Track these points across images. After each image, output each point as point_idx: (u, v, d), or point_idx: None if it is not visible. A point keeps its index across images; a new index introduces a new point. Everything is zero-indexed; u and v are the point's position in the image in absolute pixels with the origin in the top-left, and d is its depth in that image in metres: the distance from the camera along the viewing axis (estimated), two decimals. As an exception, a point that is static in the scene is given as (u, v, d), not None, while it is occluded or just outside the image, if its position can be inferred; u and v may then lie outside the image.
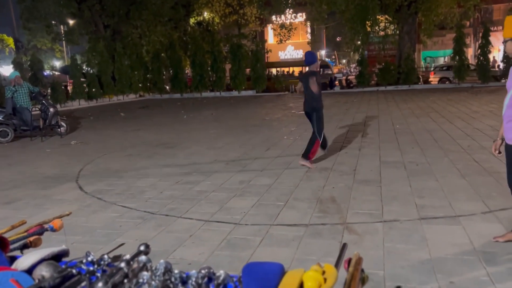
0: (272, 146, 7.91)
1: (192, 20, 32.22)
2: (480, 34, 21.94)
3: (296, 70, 29.72)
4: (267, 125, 10.93)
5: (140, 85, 25.98)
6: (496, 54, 29.60)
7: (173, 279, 1.01)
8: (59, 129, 10.74)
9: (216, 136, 9.49)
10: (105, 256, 1.13)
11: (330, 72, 27.07)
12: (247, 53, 25.15)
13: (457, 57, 21.44)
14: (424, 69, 30.28)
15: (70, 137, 10.65)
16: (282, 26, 29.88)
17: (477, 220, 3.71)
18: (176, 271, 1.03)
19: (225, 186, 5.27)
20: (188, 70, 30.07)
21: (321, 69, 26.84)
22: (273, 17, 34.31)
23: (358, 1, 21.77)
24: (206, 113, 14.85)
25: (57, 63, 44.42)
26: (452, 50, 22.06)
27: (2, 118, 10.25)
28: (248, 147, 7.93)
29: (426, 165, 5.81)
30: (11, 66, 22.78)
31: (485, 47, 20.87)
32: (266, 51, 29.42)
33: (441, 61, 36.64)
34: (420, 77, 25.51)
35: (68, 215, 2.09)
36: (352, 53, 33.00)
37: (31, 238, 1.51)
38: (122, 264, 1.01)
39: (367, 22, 22.75)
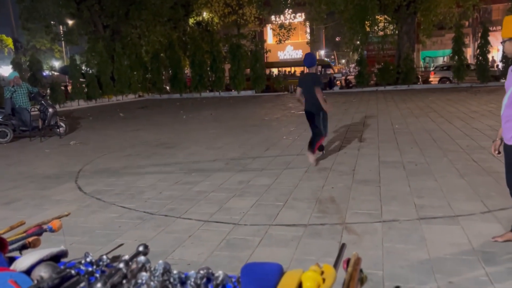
0: (271, 146, 7.91)
1: (191, 20, 32.22)
2: (479, 34, 21.95)
3: (298, 70, 29.73)
4: (266, 125, 10.94)
5: (139, 85, 25.97)
6: (495, 54, 29.63)
7: (172, 280, 1.01)
8: (58, 130, 10.73)
9: (215, 136, 9.49)
10: (104, 257, 1.13)
11: (331, 72, 27.13)
12: (247, 53, 25.16)
13: (456, 57, 21.46)
14: (423, 69, 30.31)
15: (69, 137, 10.65)
16: (281, 26, 29.90)
17: (476, 220, 3.72)
18: (175, 272, 1.03)
19: (224, 186, 5.27)
20: (187, 70, 30.07)
21: (323, 69, 26.91)
22: (272, 17, 34.34)
23: (357, 1, 21.78)
24: (205, 113, 14.85)
25: (56, 64, 44.42)
26: (451, 50, 22.09)
27: (1, 118, 10.24)
28: (248, 147, 7.93)
29: (425, 165, 5.81)
30: (10, 66, 22.77)
31: (484, 47, 20.90)
32: (265, 51, 29.44)
33: (440, 61, 36.67)
34: (419, 77, 25.54)
35: (67, 215, 2.09)
36: (351, 53, 33.05)
37: (30, 239, 1.51)
38: (121, 265, 1.01)
39: (366, 22, 22.76)
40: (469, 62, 24.81)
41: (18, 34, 32.42)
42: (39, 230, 1.59)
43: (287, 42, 34.77)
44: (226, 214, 4.22)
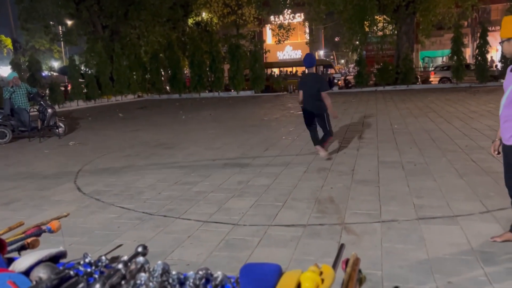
0: (270, 146, 7.91)
1: (190, 21, 32.21)
2: (478, 34, 21.99)
3: (300, 70, 29.73)
4: (265, 125, 10.94)
5: (138, 85, 25.95)
6: (494, 54, 29.67)
7: (170, 280, 1.01)
8: (57, 130, 10.72)
9: (214, 136, 9.49)
10: (103, 258, 1.13)
11: (332, 72, 27.15)
12: (246, 53, 25.16)
13: (455, 57, 21.49)
14: (422, 69, 30.34)
15: (68, 138, 10.64)
16: (281, 26, 29.91)
17: (475, 220, 3.72)
18: (173, 272, 1.03)
19: (223, 187, 5.27)
20: (186, 71, 30.06)
21: (324, 69, 26.91)
22: (272, 18, 34.34)
23: (356, 1, 21.80)
24: (204, 114, 14.85)
25: (55, 64, 44.39)
26: (450, 50, 22.11)
27: (0, 119, 10.23)
28: (247, 147, 7.93)
29: (424, 165, 5.82)
30: (9, 67, 22.75)
31: (483, 47, 20.93)
32: (264, 51, 29.44)
33: (439, 61, 36.71)
34: (419, 77, 25.56)
35: (66, 216, 2.09)
36: (350, 53, 33.06)
37: (29, 240, 1.51)
38: (120, 266, 1.01)
39: (365, 22, 22.78)
40: (468, 62, 24.84)
41: (17, 35, 32.39)
42: (38, 231, 1.59)
43: (286, 42, 34.77)
44: (225, 215, 4.22)
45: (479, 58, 21.07)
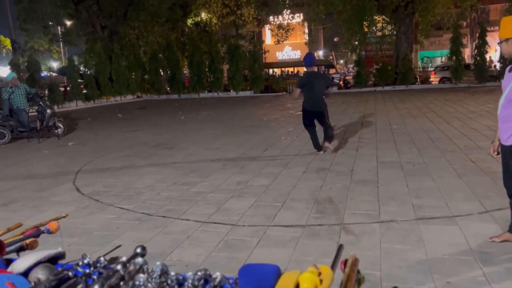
0: (270, 146, 7.91)
1: (189, 21, 32.22)
2: (477, 34, 22.02)
3: (301, 70, 29.75)
4: (265, 126, 10.94)
5: (137, 86, 25.94)
6: (493, 54, 29.71)
7: (169, 281, 1.01)
8: (56, 131, 10.71)
9: (214, 136, 9.49)
10: (102, 258, 1.13)
11: (333, 71, 27.14)
12: (245, 53, 25.16)
13: (454, 57, 21.50)
14: (421, 69, 30.36)
15: (67, 138, 10.63)
16: (280, 26, 29.90)
17: (474, 220, 3.73)
18: (172, 273, 1.03)
19: (222, 187, 5.27)
20: (186, 71, 30.06)
21: (326, 69, 26.92)
22: (271, 18, 34.35)
23: (355, 1, 21.82)
24: (204, 114, 14.84)
25: (55, 64, 44.37)
26: (449, 50, 22.14)
27: (-1, 119, 10.23)
28: (246, 147, 7.93)
29: (423, 165, 5.82)
30: (8, 67, 22.72)
31: (482, 47, 20.94)
32: (263, 51, 29.45)
33: (438, 61, 36.75)
34: (418, 77, 25.58)
35: (64, 217, 2.08)
36: (349, 53, 33.09)
37: (28, 241, 1.51)
38: (119, 267, 1.01)
39: (364, 23, 22.80)
40: (467, 62, 24.87)
41: (16, 35, 32.41)
42: (37, 232, 1.59)
43: (286, 43, 34.77)
44: (224, 215, 4.22)
45: (478, 58, 21.09)
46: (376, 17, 23.80)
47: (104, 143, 9.48)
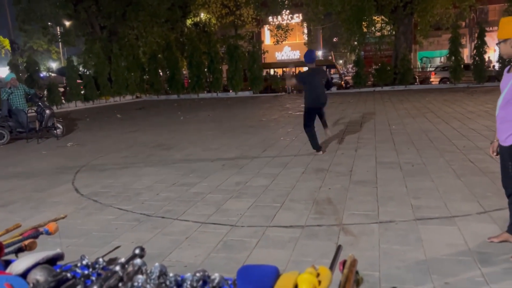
0: (268, 147, 7.91)
1: (188, 21, 32.22)
2: (476, 35, 22.05)
3: (301, 70, 29.77)
4: (264, 126, 10.94)
5: (136, 86, 25.93)
6: (492, 55, 29.74)
7: (168, 283, 1.01)
8: (55, 131, 10.71)
9: (212, 137, 9.49)
10: (100, 260, 1.13)
11: (333, 71, 27.12)
12: (244, 54, 25.16)
13: (453, 58, 21.54)
14: (420, 70, 30.39)
15: (66, 139, 10.63)
16: (279, 27, 29.94)
17: (472, 220, 3.73)
18: (171, 275, 1.03)
19: (221, 188, 5.28)
20: (185, 71, 30.06)
21: (328, 69, 26.91)
22: (270, 18, 34.38)
23: (354, 2, 21.84)
24: (203, 114, 14.84)
25: (54, 65, 44.32)
26: (448, 50, 22.17)
27: (-2, 120, 10.23)
28: (245, 148, 7.93)
29: (421, 165, 5.83)
30: (7, 67, 22.71)
31: (480, 48, 20.98)
32: (262, 52, 29.47)
33: (437, 61, 36.81)
34: (417, 77, 25.60)
35: (63, 218, 2.08)
36: (348, 53, 33.12)
37: (26, 242, 1.50)
38: (117, 268, 1.01)
39: (363, 23, 22.83)
40: (465, 62, 24.91)
41: (15, 36, 32.40)
42: (35, 233, 1.59)
43: (285, 43, 34.81)
44: (223, 216, 4.22)
45: (477, 58, 21.12)
46: (375, 18, 23.83)
47: (103, 144, 9.48)
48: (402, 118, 10.84)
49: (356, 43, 23.88)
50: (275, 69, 30.75)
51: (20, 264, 1.13)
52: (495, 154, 3.23)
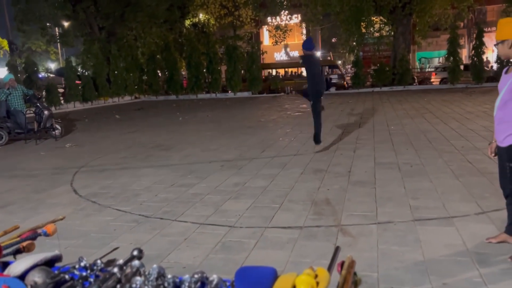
0: (267, 147, 7.92)
1: (187, 22, 32.22)
2: (474, 35, 22.08)
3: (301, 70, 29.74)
4: (262, 127, 10.95)
5: (135, 87, 25.91)
6: (490, 55, 29.80)
7: (166, 284, 1.01)
8: (53, 132, 10.69)
9: (211, 137, 9.49)
10: (98, 261, 1.13)
11: (339, 72, 27.05)
12: (243, 54, 25.16)
13: (451, 58, 21.57)
14: (419, 70, 30.43)
15: (64, 139, 10.61)
16: (278, 27, 29.96)
17: (471, 221, 3.74)
18: (169, 276, 1.04)
19: (220, 189, 5.27)
20: (183, 72, 30.04)
21: (330, 69, 26.86)
22: (269, 19, 34.39)
23: (353, 2, 21.86)
24: (201, 115, 14.84)
25: (52, 65, 44.26)
26: (446, 51, 22.20)
27: (-4, 121, 10.21)
28: (244, 148, 7.93)
29: (420, 166, 5.84)
30: (6, 68, 22.68)
31: (479, 48, 21.02)
32: (261, 52, 29.48)
33: (436, 62, 36.86)
34: (415, 78, 25.63)
35: (61, 219, 2.08)
36: (347, 54, 33.14)
37: (24, 243, 1.50)
38: (115, 269, 1.01)
39: (362, 24, 22.84)
40: (464, 62, 24.95)
41: (13, 36, 32.36)
42: (34, 234, 1.58)
43: (284, 44, 34.81)
44: (221, 217, 4.22)
45: (475, 59, 21.16)
46: (374, 18, 23.86)
47: (101, 144, 9.47)
48: (400, 118, 10.86)
49: (354, 43, 23.90)
50: (276, 69, 30.75)
51: (18, 265, 1.13)
52: (493, 155, 3.24)
